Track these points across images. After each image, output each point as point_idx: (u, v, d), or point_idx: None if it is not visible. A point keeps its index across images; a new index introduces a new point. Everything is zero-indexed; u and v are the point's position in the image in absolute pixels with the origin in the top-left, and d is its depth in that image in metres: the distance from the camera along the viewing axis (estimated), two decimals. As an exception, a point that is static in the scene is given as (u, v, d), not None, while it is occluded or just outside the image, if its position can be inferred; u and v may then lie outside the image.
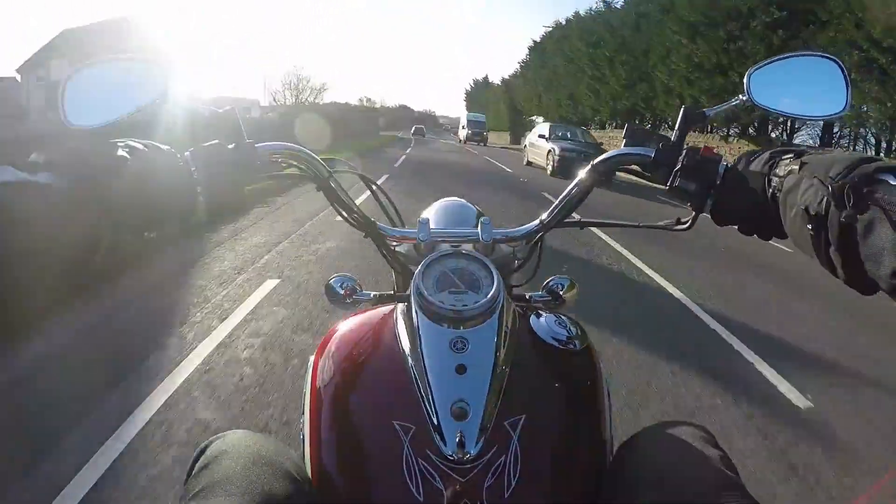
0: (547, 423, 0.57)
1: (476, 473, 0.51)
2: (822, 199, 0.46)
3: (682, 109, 0.67)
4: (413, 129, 56.52)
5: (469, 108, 66.32)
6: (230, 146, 0.62)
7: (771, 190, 0.55)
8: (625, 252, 5.01)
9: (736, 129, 15.55)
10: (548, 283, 0.85)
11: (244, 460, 0.52)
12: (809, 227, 0.47)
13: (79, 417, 1.96)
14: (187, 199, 0.58)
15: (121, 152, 0.52)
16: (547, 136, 14.66)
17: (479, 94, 62.57)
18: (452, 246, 0.74)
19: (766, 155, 0.58)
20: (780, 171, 0.54)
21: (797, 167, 0.52)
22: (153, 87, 0.63)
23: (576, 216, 0.81)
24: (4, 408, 2.07)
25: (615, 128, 22.50)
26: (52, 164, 0.45)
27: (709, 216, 0.64)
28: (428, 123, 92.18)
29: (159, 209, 0.55)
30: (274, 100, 45.00)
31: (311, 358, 0.67)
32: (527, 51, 38.73)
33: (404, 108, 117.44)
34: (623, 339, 2.96)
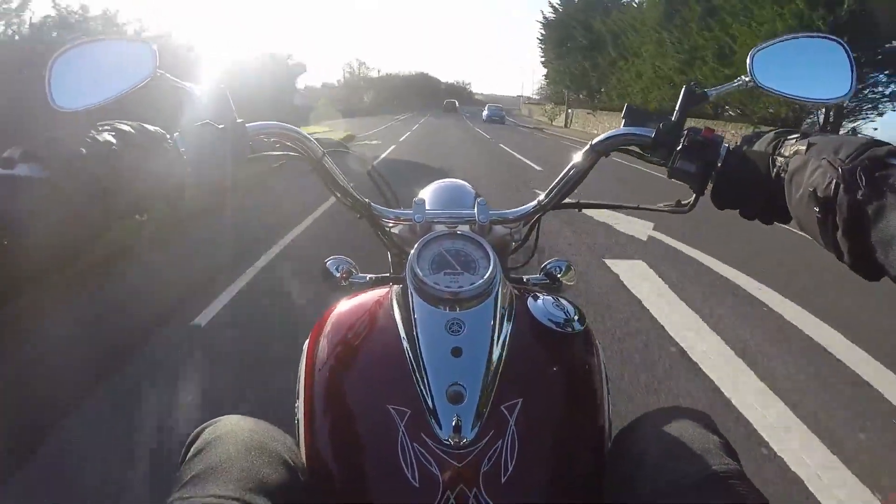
0: (544, 408, 0.57)
1: (472, 458, 0.51)
2: (830, 182, 0.45)
3: (683, 88, 0.66)
4: (444, 103, 45.93)
5: (550, 61, 34.14)
6: (220, 126, 0.61)
7: (775, 170, 0.53)
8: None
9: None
10: (545, 265, 0.84)
11: (238, 446, 0.52)
12: (816, 209, 0.46)
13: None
14: (177, 181, 0.57)
15: (107, 136, 0.51)
16: None
17: (578, 20, 28.69)
18: (448, 227, 0.74)
19: (771, 135, 0.57)
20: (786, 151, 0.53)
21: (804, 148, 0.50)
22: (143, 68, 0.61)
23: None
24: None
25: None
26: (29, 155, 0.44)
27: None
28: (460, 100, 63.58)
29: (149, 192, 0.54)
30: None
31: (306, 342, 0.67)
32: None
33: (425, 77, 78.52)
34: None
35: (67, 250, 0.46)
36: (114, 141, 0.51)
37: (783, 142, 0.54)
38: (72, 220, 0.45)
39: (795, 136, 0.54)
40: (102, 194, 0.48)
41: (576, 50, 29.66)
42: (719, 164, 0.60)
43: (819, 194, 0.46)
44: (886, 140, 0.46)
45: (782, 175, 0.52)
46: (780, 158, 0.53)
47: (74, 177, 0.45)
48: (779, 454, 1.89)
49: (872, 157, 0.43)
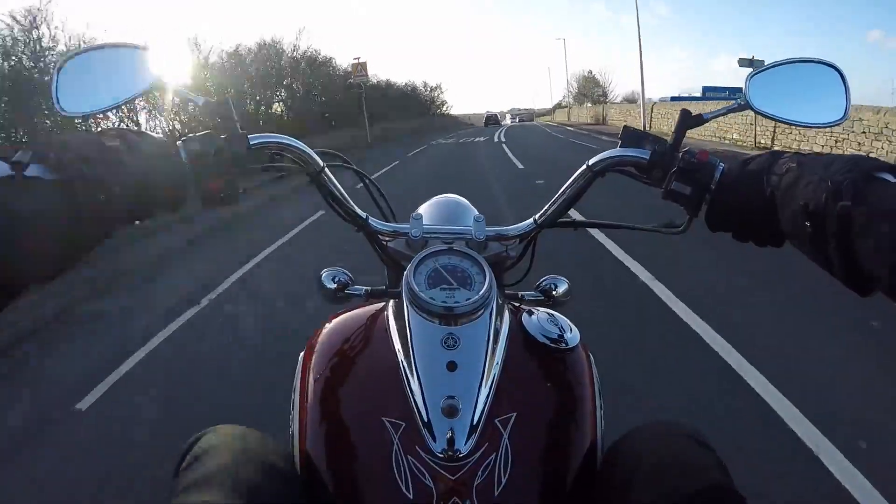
0: (538, 422, 0.58)
1: (466, 471, 0.51)
2: (821, 196, 0.45)
3: (680, 111, 0.67)
4: (486, 117, 44.72)
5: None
6: (222, 136, 0.61)
7: (769, 189, 0.54)
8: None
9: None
10: (540, 282, 0.84)
11: (234, 455, 0.52)
12: (808, 224, 0.47)
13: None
14: (178, 189, 0.57)
15: (113, 142, 0.51)
16: None
17: None
18: (445, 242, 0.74)
19: (766, 156, 0.58)
20: (779, 169, 0.54)
21: (796, 165, 0.51)
22: (147, 75, 0.62)
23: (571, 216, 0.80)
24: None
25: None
26: (40, 157, 0.44)
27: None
28: (428, 118, 39.71)
29: (150, 199, 0.54)
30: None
31: (301, 353, 0.67)
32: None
33: (322, 63, 22.16)
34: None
35: (69, 254, 0.46)
36: (120, 147, 0.51)
37: (777, 160, 0.55)
38: (76, 224, 0.45)
39: (790, 154, 0.55)
40: (107, 199, 0.48)
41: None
42: (713, 187, 0.61)
43: (810, 208, 0.46)
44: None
45: (776, 192, 0.53)
46: (773, 177, 0.54)
47: (82, 180, 0.45)
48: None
49: (861, 172, 0.44)
